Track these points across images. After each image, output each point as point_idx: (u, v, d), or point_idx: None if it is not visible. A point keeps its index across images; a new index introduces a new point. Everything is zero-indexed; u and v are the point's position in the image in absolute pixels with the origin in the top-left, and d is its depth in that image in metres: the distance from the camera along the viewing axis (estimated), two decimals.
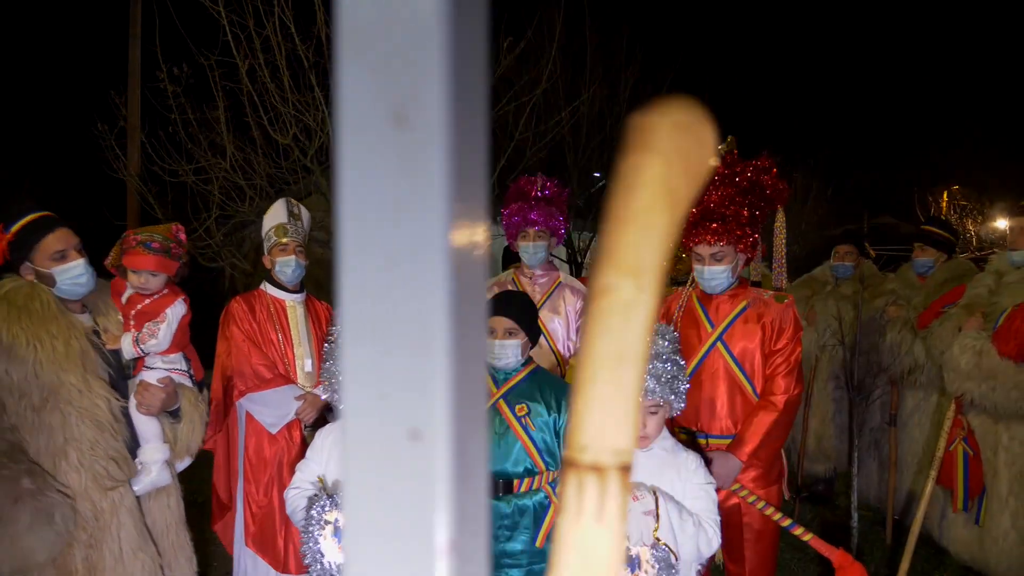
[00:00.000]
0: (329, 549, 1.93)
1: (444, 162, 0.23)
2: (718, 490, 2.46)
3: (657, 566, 1.79)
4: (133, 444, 2.19)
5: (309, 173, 5.17)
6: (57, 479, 1.99)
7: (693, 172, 0.30)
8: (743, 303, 2.52)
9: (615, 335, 0.28)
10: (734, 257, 2.48)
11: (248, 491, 2.69)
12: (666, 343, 1.92)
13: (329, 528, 1.93)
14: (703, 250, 2.48)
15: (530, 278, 3.35)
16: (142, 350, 2.23)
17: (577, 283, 3.42)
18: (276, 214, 2.82)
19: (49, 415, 1.98)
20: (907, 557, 2.98)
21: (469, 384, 0.24)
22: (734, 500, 2.46)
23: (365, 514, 0.24)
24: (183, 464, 2.38)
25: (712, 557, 2.74)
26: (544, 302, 3.31)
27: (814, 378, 4.56)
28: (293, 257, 2.79)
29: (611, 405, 0.27)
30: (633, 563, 1.82)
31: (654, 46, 9.59)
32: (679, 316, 2.64)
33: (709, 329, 2.53)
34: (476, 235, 0.25)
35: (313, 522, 1.93)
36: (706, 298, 2.58)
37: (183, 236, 2.42)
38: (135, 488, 2.18)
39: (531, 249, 3.26)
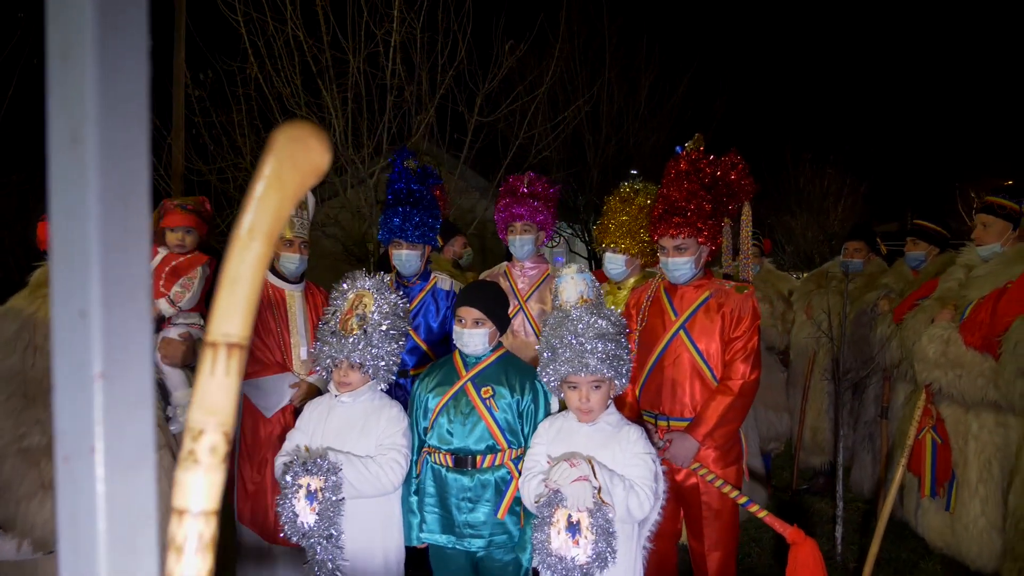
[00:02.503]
0: (302, 510, 2.14)
1: (101, 170, 0.41)
2: (678, 469, 2.61)
3: (595, 533, 1.95)
4: (165, 402, 2.52)
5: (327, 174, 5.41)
6: None
7: (301, 169, 0.48)
8: (706, 293, 2.64)
9: (234, 266, 0.45)
10: (697, 249, 2.61)
11: (243, 468, 2.89)
12: (609, 325, 2.07)
13: (302, 492, 2.14)
14: (667, 242, 2.61)
15: (520, 270, 3.52)
16: (180, 307, 2.56)
17: None
18: None
19: None
20: (876, 541, 3.05)
21: (116, 289, 0.42)
22: (693, 480, 2.59)
23: (64, 361, 0.42)
24: None
25: (678, 536, 2.88)
26: (532, 293, 3.48)
27: (811, 372, 4.62)
28: (298, 255, 2.99)
29: (226, 308, 0.45)
30: (573, 528, 1.98)
31: (673, 45, 9.63)
32: (647, 305, 2.77)
33: (673, 318, 2.66)
34: (129, 215, 0.43)
35: (288, 486, 2.15)
36: (672, 288, 2.71)
37: (208, 207, 2.82)
38: (172, 428, 2.51)
39: (518, 242, 3.43)
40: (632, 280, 3.26)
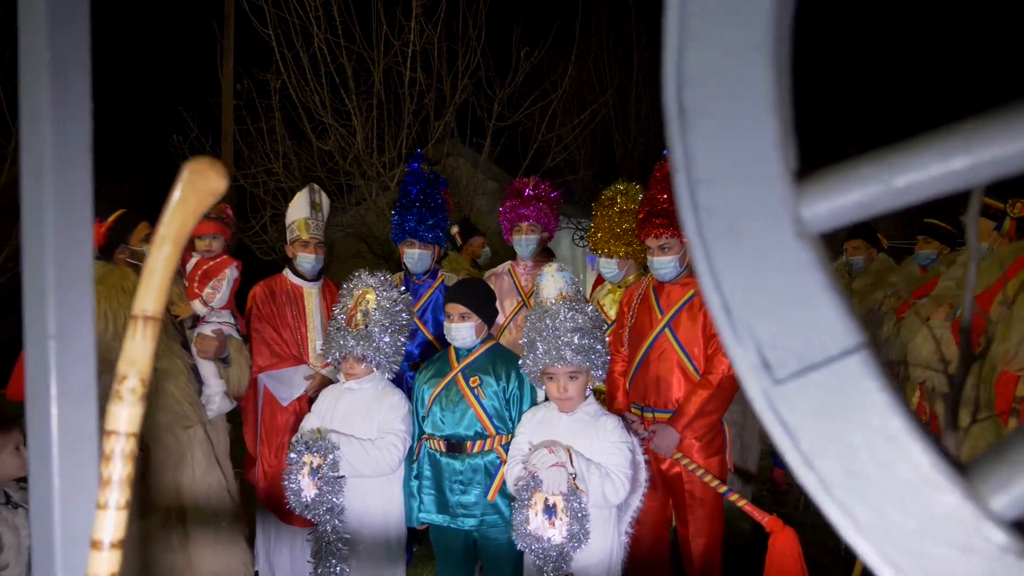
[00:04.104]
0: (306, 485, 2.35)
1: (55, 196, 0.60)
2: (663, 459, 2.74)
3: (569, 516, 2.10)
4: (199, 387, 2.78)
5: (353, 178, 5.70)
6: (151, 418, 2.58)
7: (200, 193, 0.66)
8: (691, 292, 2.76)
9: (152, 261, 0.64)
10: (680, 248, 2.73)
11: (262, 453, 3.14)
12: (585, 319, 2.22)
13: (306, 468, 2.36)
14: (652, 242, 2.74)
15: (524, 268, 3.69)
16: (212, 307, 2.83)
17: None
18: (299, 206, 3.23)
19: None
20: None
21: (65, 276, 0.61)
22: (677, 469, 2.71)
23: (29, 326, 0.61)
24: (230, 405, 2.94)
25: (669, 522, 3.00)
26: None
27: None
28: (313, 255, 3.23)
29: (145, 291, 0.64)
30: (550, 511, 2.14)
31: None
32: (637, 303, 2.91)
33: (659, 316, 2.79)
34: (75, 227, 0.62)
35: (293, 462, 2.36)
36: (660, 287, 2.84)
37: (230, 212, 3.10)
38: (207, 414, 2.77)
39: (523, 242, 3.60)
40: (632, 279, 3.39)
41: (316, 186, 3.37)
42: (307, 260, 3.23)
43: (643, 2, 9.47)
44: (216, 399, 2.83)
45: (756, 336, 0.37)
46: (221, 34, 6.71)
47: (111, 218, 2.73)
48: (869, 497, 0.35)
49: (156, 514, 2.58)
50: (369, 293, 2.62)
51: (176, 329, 2.79)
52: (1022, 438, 0.33)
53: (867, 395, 0.35)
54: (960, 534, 0.33)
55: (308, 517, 2.38)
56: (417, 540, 3.63)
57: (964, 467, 0.34)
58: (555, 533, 2.12)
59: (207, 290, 2.89)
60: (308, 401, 3.16)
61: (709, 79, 0.37)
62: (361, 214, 5.89)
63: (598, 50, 9.42)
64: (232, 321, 2.99)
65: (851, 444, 0.35)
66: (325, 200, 3.35)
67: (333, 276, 3.79)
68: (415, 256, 3.49)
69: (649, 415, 2.76)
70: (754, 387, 0.37)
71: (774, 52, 0.36)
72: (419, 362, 3.49)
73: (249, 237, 5.98)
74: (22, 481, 2.48)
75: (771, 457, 4.96)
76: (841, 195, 0.35)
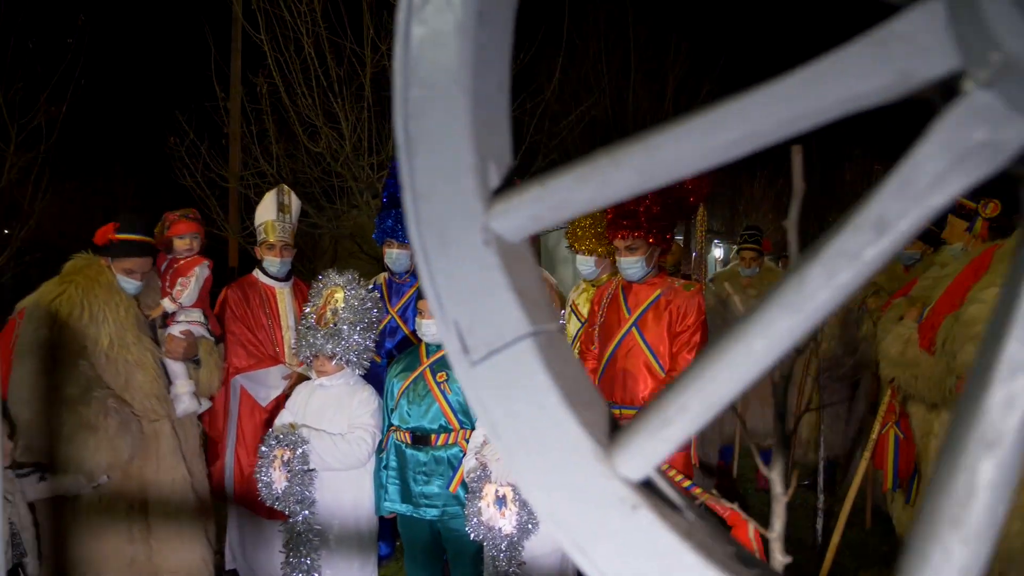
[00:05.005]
0: (277, 478, 2.44)
1: None
2: None
3: (518, 505, 2.18)
4: (168, 384, 2.84)
5: (345, 181, 5.77)
6: None
7: None
8: (657, 292, 2.83)
9: None
10: (647, 248, 2.79)
11: (239, 453, 3.19)
12: None
13: (277, 461, 2.45)
14: (619, 243, 2.81)
15: None
16: (180, 304, 2.90)
17: (548, 275, 3.78)
18: (267, 208, 3.27)
19: (115, 360, 2.65)
20: (838, 531, 3.17)
21: None
22: None
23: None
24: (204, 406, 3.00)
25: None
26: None
27: (806, 369, 4.68)
28: (279, 259, 3.29)
29: None
30: (500, 501, 2.21)
31: (701, 42, 9.64)
32: (607, 302, 2.98)
33: (627, 315, 2.86)
34: None
35: (264, 456, 2.46)
36: (628, 286, 2.91)
37: (198, 215, 3.20)
38: (175, 413, 2.83)
39: None
40: (605, 277, 3.46)
41: (286, 187, 3.41)
42: (273, 264, 3.30)
43: (641, 3, 9.51)
44: (184, 399, 2.85)
45: (458, 326, 0.44)
46: (220, 37, 6.79)
47: (127, 235, 2.73)
48: (535, 461, 0.42)
49: (119, 505, 2.64)
50: (338, 292, 2.70)
51: (148, 326, 2.85)
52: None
53: (532, 375, 0.42)
54: (594, 490, 0.40)
55: (279, 508, 2.47)
56: (399, 535, 3.70)
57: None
58: (506, 523, 2.20)
59: (176, 287, 2.94)
60: (287, 399, 3.23)
61: (427, 113, 0.45)
62: (354, 216, 5.99)
63: (595, 50, 9.47)
64: (203, 320, 2.99)
65: (520, 416, 0.42)
66: (295, 201, 3.39)
67: None
68: (394, 255, 3.56)
69: (616, 412, 2.83)
70: (459, 368, 0.44)
71: (472, 95, 0.44)
72: None
73: (244, 238, 6.08)
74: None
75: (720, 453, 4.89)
76: (518, 211, 0.43)
